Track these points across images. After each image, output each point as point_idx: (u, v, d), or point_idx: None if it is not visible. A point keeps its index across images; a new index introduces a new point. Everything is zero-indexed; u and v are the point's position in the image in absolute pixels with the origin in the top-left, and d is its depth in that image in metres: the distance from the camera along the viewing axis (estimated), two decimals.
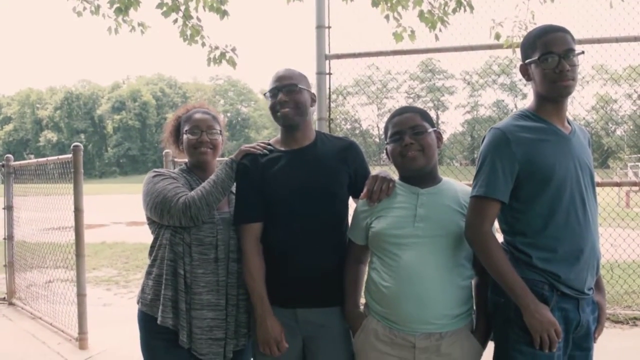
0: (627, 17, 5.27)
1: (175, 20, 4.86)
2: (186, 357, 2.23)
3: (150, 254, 2.36)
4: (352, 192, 2.27)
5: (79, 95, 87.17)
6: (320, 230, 2.19)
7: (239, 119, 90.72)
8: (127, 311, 4.85)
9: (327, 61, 5.31)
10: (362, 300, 2.21)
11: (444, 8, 4.82)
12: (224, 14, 4.93)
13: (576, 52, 1.93)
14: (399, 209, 2.06)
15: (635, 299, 5.79)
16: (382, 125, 2.24)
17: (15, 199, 6.50)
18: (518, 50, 2.13)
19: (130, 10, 4.83)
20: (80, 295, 4.82)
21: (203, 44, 5.06)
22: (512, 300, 1.90)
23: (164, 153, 4.84)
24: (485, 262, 1.94)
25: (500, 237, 2.02)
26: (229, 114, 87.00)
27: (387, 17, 4.82)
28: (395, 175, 2.19)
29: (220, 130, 2.45)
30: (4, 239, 6.57)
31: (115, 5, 4.75)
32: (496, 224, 2.02)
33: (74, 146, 4.89)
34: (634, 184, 9.54)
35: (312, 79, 5.13)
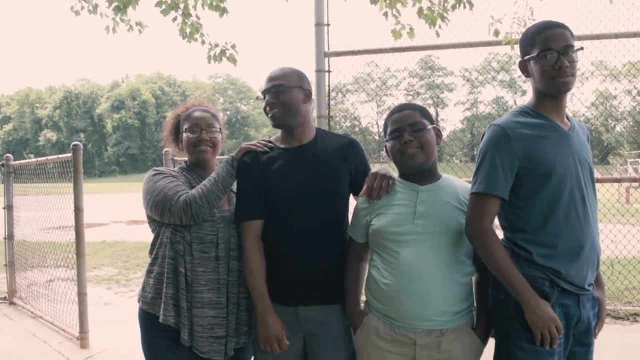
0: (627, 13, 5.27)
1: (175, 19, 4.85)
2: (187, 355, 2.24)
3: (150, 252, 2.36)
4: (353, 189, 2.27)
5: (78, 95, 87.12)
6: (320, 227, 2.19)
7: (239, 117, 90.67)
8: (128, 310, 4.85)
9: (326, 59, 5.30)
10: (363, 298, 2.22)
11: (444, 4, 4.82)
12: (223, 11, 4.92)
13: (575, 48, 1.93)
14: (399, 206, 2.06)
15: (636, 295, 5.80)
16: (381, 122, 2.24)
17: (15, 198, 6.50)
18: (517, 47, 2.13)
19: (129, 9, 4.83)
20: (81, 294, 4.82)
21: (203, 42, 5.05)
22: (512, 297, 1.90)
23: (163, 152, 4.84)
24: (486, 259, 1.94)
25: (500, 234, 2.02)
26: (228, 112, 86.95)
27: (385, 14, 4.81)
28: (394, 173, 2.19)
29: (220, 129, 2.45)
30: (5, 238, 6.57)
31: (114, 4, 4.74)
32: (496, 221, 2.02)
33: (74, 145, 4.88)
34: (634, 180, 9.48)
35: (312, 77, 5.12)
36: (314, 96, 2.39)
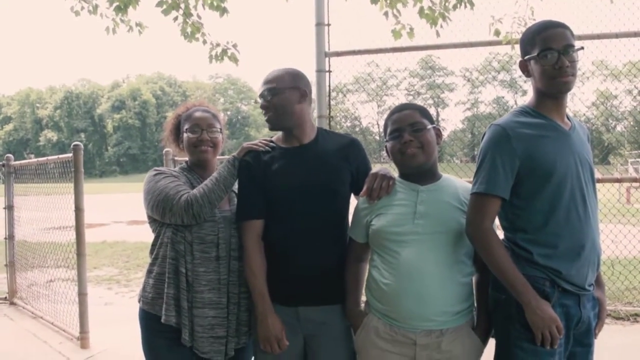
0: (627, 13, 5.27)
1: (176, 18, 4.85)
2: (188, 356, 2.24)
3: (151, 252, 2.36)
4: (354, 189, 2.27)
5: (78, 95, 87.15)
6: (321, 228, 2.18)
7: (239, 117, 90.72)
8: (128, 310, 4.85)
9: (327, 59, 5.30)
10: (363, 298, 2.21)
11: (445, 4, 4.82)
12: (223, 11, 4.91)
13: (575, 47, 1.92)
14: (399, 206, 2.06)
15: (636, 295, 5.80)
16: (382, 122, 2.23)
17: (15, 198, 6.50)
18: (517, 47, 2.12)
19: (130, 9, 4.83)
20: (82, 295, 4.82)
21: (204, 42, 5.05)
22: (513, 297, 1.90)
23: (164, 152, 4.84)
24: (487, 259, 1.94)
25: (500, 234, 2.02)
26: (229, 112, 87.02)
27: (386, 14, 4.81)
28: (395, 173, 2.19)
29: (221, 129, 2.44)
30: (5, 238, 6.58)
31: (115, 4, 4.74)
32: (496, 221, 2.02)
33: (74, 145, 4.89)
34: (635, 180, 9.49)
35: (312, 77, 5.12)
36: (314, 96, 2.39)
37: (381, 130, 2.25)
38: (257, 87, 2.31)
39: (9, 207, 6.49)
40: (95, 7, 4.88)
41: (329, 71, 5.31)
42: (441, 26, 4.85)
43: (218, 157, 2.49)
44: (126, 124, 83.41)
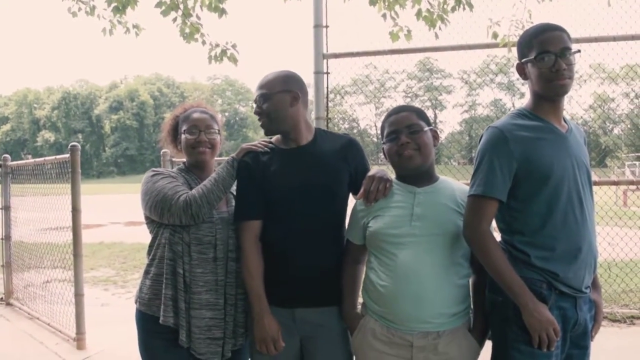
0: (625, 16, 5.29)
1: (175, 19, 4.85)
2: (185, 357, 2.23)
3: (148, 253, 2.35)
4: (353, 189, 2.26)
5: (76, 95, 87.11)
6: (320, 228, 2.18)
7: (237, 118, 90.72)
8: (125, 311, 4.85)
9: (325, 60, 5.30)
10: (360, 300, 2.21)
11: (443, 6, 4.83)
12: (222, 12, 4.92)
13: (572, 50, 1.93)
14: (396, 208, 2.06)
15: (633, 298, 5.80)
16: (379, 124, 2.24)
17: (12, 199, 6.49)
18: (515, 49, 2.13)
19: (128, 9, 4.82)
20: (78, 296, 4.81)
21: (203, 42, 5.05)
22: (510, 299, 1.90)
23: (161, 153, 4.83)
24: (484, 261, 1.94)
25: (497, 236, 2.02)
26: (226, 114, 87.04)
27: (384, 16, 4.82)
28: (392, 174, 2.19)
29: (219, 130, 2.44)
30: (2, 239, 6.56)
31: (113, 4, 4.74)
32: (493, 223, 2.02)
33: (72, 146, 4.88)
34: (631, 182, 9.54)
35: (310, 79, 5.12)
36: (312, 98, 2.39)
37: (379, 132, 2.25)
38: (255, 88, 2.31)
39: (6, 208, 6.47)
40: (93, 8, 4.88)
41: (327, 73, 5.31)
42: (439, 28, 4.87)
43: (216, 158, 2.48)
44: (124, 125, 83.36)
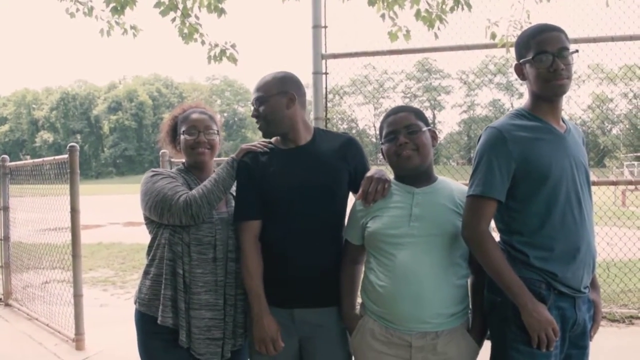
0: (623, 16, 5.29)
1: (174, 19, 4.85)
2: (184, 357, 2.23)
3: (148, 253, 2.35)
4: (353, 188, 2.26)
5: (75, 96, 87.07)
6: (320, 228, 2.18)
7: (236, 119, 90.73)
8: (124, 312, 4.85)
9: (324, 61, 5.30)
10: (359, 300, 2.22)
11: (442, 6, 4.83)
12: (221, 12, 4.92)
13: (570, 50, 1.93)
14: (395, 208, 2.06)
15: (632, 298, 5.81)
16: (378, 124, 2.24)
17: (11, 199, 6.48)
18: (513, 50, 2.13)
19: (127, 10, 4.82)
20: (77, 296, 4.81)
21: (202, 42, 5.05)
22: (509, 299, 1.90)
23: (160, 153, 4.83)
24: (483, 261, 1.94)
25: (496, 236, 2.03)
26: (225, 114, 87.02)
27: (382, 16, 4.82)
28: (391, 175, 2.19)
29: (218, 130, 2.44)
30: (0, 240, 6.55)
31: (112, 5, 4.73)
32: (492, 224, 2.02)
33: (70, 147, 4.87)
34: (630, 182, 9.58)
35: (309, 79, 5.12)
36: (311, 98, 2.39)
37: (377, 132, 2.25)
38: (252, 90, 2.31)
39: (5, 208, 6.46)
40: (91, 9, 4.88)
41: (326, 73, 5.31)
42: (438, 29, 4.87)
43: (215, 159, 2.49)
44: (122, 126, 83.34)
